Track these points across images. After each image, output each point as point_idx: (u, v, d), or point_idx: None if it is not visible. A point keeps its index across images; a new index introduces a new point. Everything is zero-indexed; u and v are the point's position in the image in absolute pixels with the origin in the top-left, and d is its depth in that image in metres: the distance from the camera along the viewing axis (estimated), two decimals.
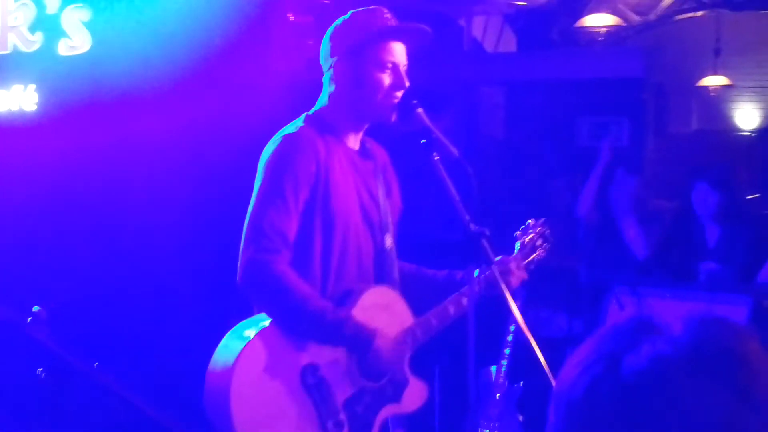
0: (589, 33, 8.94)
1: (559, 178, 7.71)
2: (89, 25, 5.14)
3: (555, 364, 2.79)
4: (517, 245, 3.41)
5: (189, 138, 5.15)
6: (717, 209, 5.10)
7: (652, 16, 9.83)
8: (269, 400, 2.93)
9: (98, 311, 5.00)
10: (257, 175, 3.08)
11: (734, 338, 1.18)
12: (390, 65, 3.10)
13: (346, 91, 3.15)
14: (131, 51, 5.10)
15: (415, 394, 3.21)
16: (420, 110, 3.08)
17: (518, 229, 3.47)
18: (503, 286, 2.95)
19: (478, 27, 9.39)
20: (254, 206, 3.02)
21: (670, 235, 5.40)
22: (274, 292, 2.95)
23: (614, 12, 9.18)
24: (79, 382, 2.36)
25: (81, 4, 5.14)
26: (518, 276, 3.28)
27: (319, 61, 3.25)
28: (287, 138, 3.07)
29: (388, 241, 3.24)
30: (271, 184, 3.01)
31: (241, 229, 3.04)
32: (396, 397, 3.15)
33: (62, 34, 5.15)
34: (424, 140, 3.03)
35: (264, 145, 3.15)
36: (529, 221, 3.49)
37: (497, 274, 2.97)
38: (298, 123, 3.15)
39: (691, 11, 9.81)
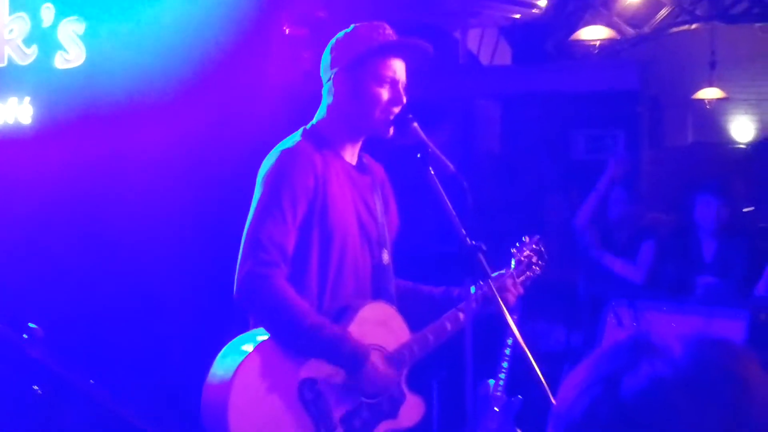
0: (584, 46, 8.96)
1: (555, 190, 7.71)
2: (84, 38, 5.14)
3: (553, 377, 2.78)
4: (513, 262, 3.41)
5: (185, 150, 5.14)
6: (721, 221, 5.10)
7: (646, 29, 9.86)
8: (267, 414, 2.92)
9: (94, 327, 4.98)
10: (255, 189, 3.08)
11: (733, 360, 1.17)
12: (389, 80, 3.11)
13: (344, 104, 3.15)
14: (127, 64, 5.10)
15: (411, 410, 3.20)
16: (415, 124, 3.07)
17: (514, 245, 3.47)
18: (500, 302, 2.94)
19: (473, 40, 9.41)
20: (252, 220, 3.02)
21: (667, 249, 5.39)
22: (271, 306, 2.94)
23: (609, 25, 9.21)
24: (76, 398, 2.34)
25: (76, 18, 5.14)
26: (514, 292, 3.27)
27: (314, 73, 3.26)
28: (285, 153, 3.07)
29: (385, 256, 3.23)
30: (269, 198, 3.01)
31: (238, 243, 3.03)
32: (393, 413, 3.14)
33: (58, 47, 5.15)
34: (420, 154, 3.02)
35: (260, 157, 3.15)
36: (525, 238, 3.49)
37: (494, 289, 2.96)
38: (295, 138, 3.15)
39: (685, 24, 9.84)
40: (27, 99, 5.20)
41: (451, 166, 3.02)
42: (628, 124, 8.79)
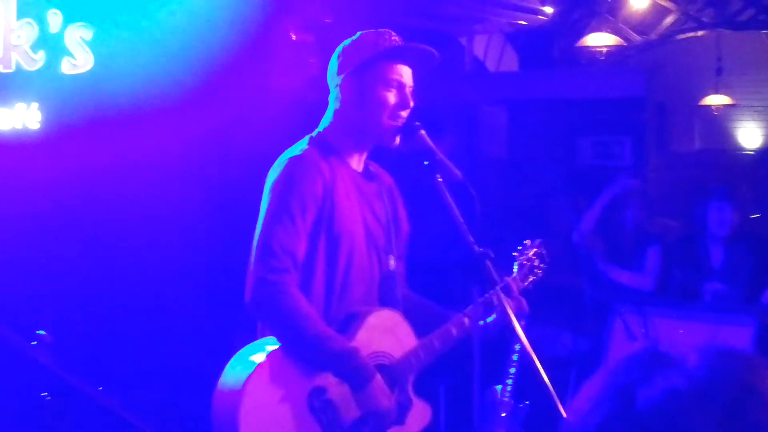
0: (590, 52, 8.97)
1: (561, 196, 7.70)
2: (92, 44, 5.15)
3: (560, 383, 2.77)
4: (515, 266, 3.41)
5: (192, 155, 5.15)
6: (733, 227, 5.10)
7: (653, 36, 9.87)
8: (277, 423, 2.92)
9: (103, 333, 4.98)
10: (264, 197, 3.08)
11: (748, 370, 1.17)
12: (396, 84, 3.11)
13: (351, 109, 3.15)
14: (133, 69, 5.11)
15: (419, 416, 3.19)
16: (423, 132, 3.07)
17: (516, 250, 3.47)
18: (507, 307, 2.93)
19: (479, 46, 9.43)
20: (262, 227, 3.02)
21: (675, 255, 5.39)
22: (281, 314, 2.94)
23: (615, 31, 9.21)
24: (84, 405, 2.34)
25: (83, 23, 5.15)
26: (516, 303, 3.26)
27: (320, 79, 3.26)
28: (293, 160, 3.07)
29: (392, 262, 3.23)
30: (278, 205, 3.01)
31: (247, 248, 3.03)
32: (400, 419, 3.13)
33: (65, 52, 5.16)
34: (427, 162, 3.02)
35: (267, 162, 3.15)
36: (527, 242, 3.50)
37: (501, 296, 2.96)
38: (302, 145, 3.15)
39: (692, 31, 9.85)
40: (35, 105, 5.21)
41: (459, 174, 3.02)
42: (635, 131, 8.79)
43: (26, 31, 5.19)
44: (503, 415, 4.14)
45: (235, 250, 3.14)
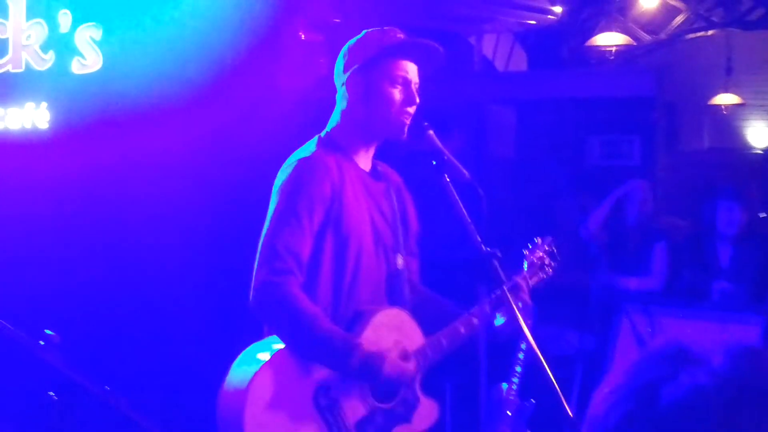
0: (599, 52, 8.96)
1: (569, 196, 7.70)
2: (101, 44, 5.17)
3: (566, 381, 2.78)
4: (525, 264, 3.41)
5: (201, 155, 5.16)
6: (741, 226, 5.09)
7: (662, 35, 9.85)
8: (283, 422, 2.93)
9: (110, 333, 5.00)
10: (272, 198, 3.09)
11: None
12: (401, 80, 3.12)
13: (358, 107, 3.16)
14: (142, 69, 5.12)
15: (426, 414, 3.20)
16: (431, 132, 3.08)
17: (525, 248, 3.47)
18: (514, 305, 2.94)
19: (488, 46, 9.43)
20: (268, 228, 3.03)
21: (683, 254, 5.39)
22: (284, 314, 2.95)
23: (625, 31, 9.20)
24: (91, 405, 2.36)
25: (93, 23, 5.17)
26: (523, 302, 3.27)
27: (329, 79, 3.27)
28: (302, 162, 3.08)
29: (399, 261, 3.24)
30: (285, 206, 3.02)
31: (254, 248, 3.04)
32: (407, 417, 3.14)
33: (75, 52, 5.18)
34: (435, 162, 3.03)
35: (275, 161, 3.16)
36: (537, 239, 3.50)
37: (509, 295, 2.96)
38: (310, 147, 3.16)
39: (701, 30, 9.83)
40: (44, 104, 5.23)
41: (467, 174, 3.02)
42: (644, 130, 8.78)
43: (36, 31, 5.22)
44: (509, 413, 4.15)
45: (243, 250, 3.14)
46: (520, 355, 3.91)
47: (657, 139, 8.92)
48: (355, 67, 3.13)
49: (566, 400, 2.66)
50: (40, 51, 5.21)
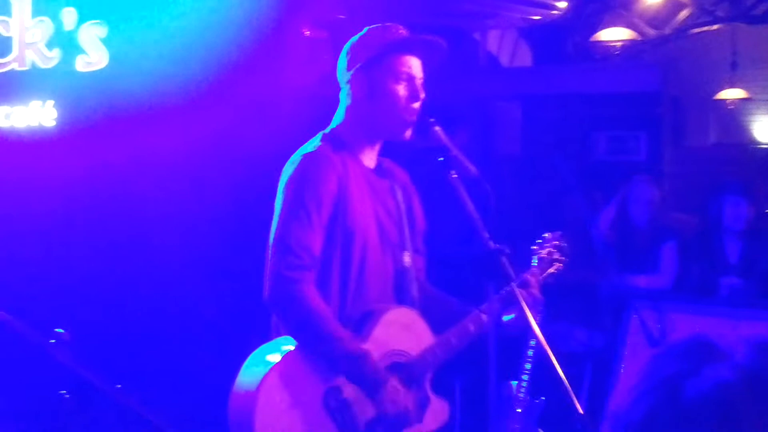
0: (604, 47, 8.95)
1: (576, 192, 7.68)
2: (106, 42, 5.17)
3: (575, 378, 2.77)
4: (535, 259, 3.40)
5: (206, 152, 5.16)
6: (749, 222, 5.08)
7: (667, 30, 9.82)
8: (293, 423, 2.92)
9: (121, 331, 5.00)
10: (278, 195, 3.08)
11: None
12: (405, 76, 3.11)
13: (362, 104, 3.15)
14: (147, 67, 5.13)
15: (436, 414, 3.19)
16: (437, 128, 3.07)
17: (534, 243, 3.46)
18: (522, 302, 2.93)
19: (493, 41, 9.41)
20: (279, 225, 3.02)
21: (691, 250, 5.37)
22: (298, 311, 2.95)
23: (630, 26, 9.18)
24: (103, 404, 2.35)
25: (98, 21, 5.17)
26: (537, 290, 3.26)
27: (334, 76, 3.26)
28: (307, 157, 3.08)
29: (407, 258, 3.23)
30: (294, 201, 3.02)
31: (264, 246, 3.04)
32: (417, 417, 3.13)
33: (80, 50, 5.18)
34: (442, 158, 3.02)
35: (281, 158, 3.15)
36: (546, 234, 3.49)
37: (517, 291, 2.95)
38: (315, 142, 3.15)
39: (707, 25, 9.80)
40: (50, 102, 5.24)
41: (473, 169, 3.01)
42: (650, 125, 8.76)
43: (41, 29, 5.22)
44: (518, 410, 4.14)
45: (252, 248, 3.14)
46: (530, 353, 3.90)
47: (663, 134, 8.89)
48: (359, 65, 3.12)
49: (576, 398, 2.65)
50: (45, 49, 5.21)
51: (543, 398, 4.02)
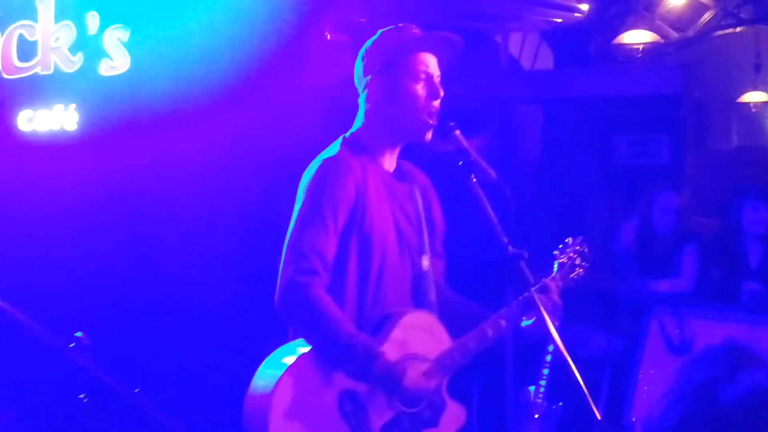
0: (627, 50, 8.90)
1: (597, 196, 7.66)
2: (129, 46, 5.20)
3: (594, 384, 2.76)
4: (556, 265, 3.39)
5: (227, 156, 5.18)
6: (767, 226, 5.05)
7: (690, 33, 9.76)
8: (307, 426, 2.93)
9: (140, 335, 5.02)
10: (297, 198, 3.09)
11: None
12: (423, 75, 3.11)
13: (382, 108, 3.15)
14: (170, 70, 5.15)
15: (453, 418, 3.19)
16: (457, 132, 3.07)
17: (556, 248, 3.45)
18: (542, 308, 2.92)
19: (515, 44, 9.38)
20: (294, 229, 3.04)
21: (712, 255, 5.35)
22: (309, 316, 2.95)
23: (652, 28, 9.13)
24: (121, 407, 2.37)
25: (121, 25, 5.20)
26: (557, 295, 3.25)
27: (354, 80, 3.27)
28: (327, 162, 3.09)
29: (425, 262, 3.23)
30: (311, 206, 3.02)
31: (281, 249, 3.05)
32: (434, 421, 3.13)
33: (103, 54, 5.21)
34: (462, 162, 3.02)
35: (303, 162, 3.16)
36: (568, 240, 3.47)
37: (536, 297, 2.94)
38: (335, 147, 3.16)
39: (730, 27, 9.74)
40: (72, 106, 5.27)
41: (494, 174, 3.01)
42: (672, 129, 8.71)
43: (65, 33, 5.26)
44: (536, 416, 4.13)
45: (273, 251, 3.15)
46: (548, 358, 3.90)
47: (685, 137, 8.84)
48: (376, 69, 3.13)
49: (594, 403, 2.65)
50: (68, 53, 5.25)
51: (561, 404, 4.02)
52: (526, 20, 8.71)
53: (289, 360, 2.98)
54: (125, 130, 5.13)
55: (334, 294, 3.00)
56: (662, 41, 9.28)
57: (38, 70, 5.29)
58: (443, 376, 3.14)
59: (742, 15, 9.57)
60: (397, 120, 3.14)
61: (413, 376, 3.02)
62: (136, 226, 5.21)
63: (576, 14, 8.51)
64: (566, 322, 3.95)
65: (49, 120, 5.27)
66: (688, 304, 4.67)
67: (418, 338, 3.10)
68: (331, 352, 2.97)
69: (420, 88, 3.10)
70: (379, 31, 3.20)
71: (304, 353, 2.98)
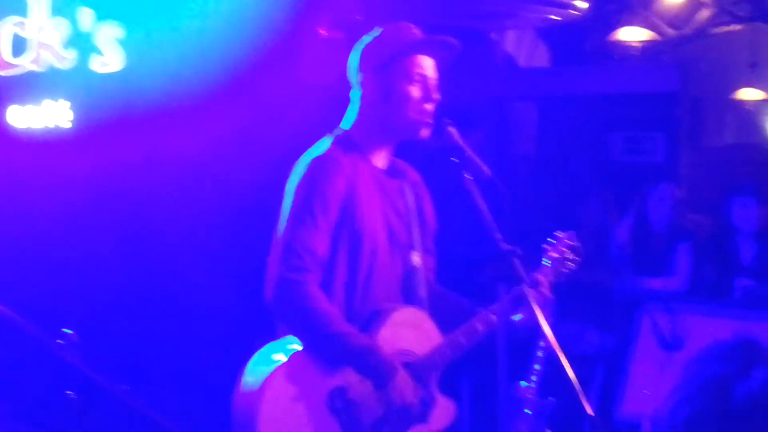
0: (623, 47, 8.90)
1: (592, 193, 7.66)
2: (122, 43, 5.19)
3: (586, 380, 2.76)
4: (546, 259, 3.40)
5: (223, 154, 5.18)
6: (758, 223, 5.06)
7: (687, 30, 9.76)
8: (297, 423, 2.93)
9: (128, 332, 5.02)
10: (286, 197, 3.10)
11: None
12: (419, 77, 3.12)
13: (375, 106, 3.16)
14: (164, 68, 5.14)
15: (442, 414, 3.19)
16: (452, 128, 3.07)
17: (547, 243, 3.46)
18: (533, 302, 2.92)
19: (510, 42, 9.37)
20: (285, 226, 3.04)
21: (705, 252, 5.35)
22: (301, 312, 2.96)
23: (648, 26, 9.13)
24: (110, 404, 2.37)
25: (114, 22, 5.19)
26: (548, 289, 3.26)
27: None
28: (317, 160, 3.09)
29: (416, 259, 3.24)
30: (301, 204, 3.03)
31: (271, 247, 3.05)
32: (424, 417, 3.13)
33: (96, 51, 5.20)
34: (456, 159, 3.02)
35: (296, 159, 3.16)
36: (559, 234, 3.48)
37: (528, 292, 2.94)
38: (325, 144, 3.16)
39: (727, 25, 9.74)
40: (66, 103, 5.26)
41: (488, 171, 3.01)
42: (668, 126, 8.71)
43: (58, 30, 5.24)
44: (528, 411, 4.13)
45: (263, 247, 3.15)
46: (540, 353, 3.89)
47: (681, 135, 8.84)
48: (371, 66, 3.13)
49: (586, 400, 2.65)
50: (61, 50, 5.23)
51: (553, 399, 4.02)
52: (523, 18, 8.69)
53: (279, 357, 2.98)
54: (119, 127, 5.12)
55: (324, 290, 3.01)
56: (659, 39, 9.28)
57: (31, 66, 5.28)
58: (433, 373, 3.14)
59: (739, 13, 9.57)
60: (389, 119, 3.15)
61: (404, 377, 3.02)
62: (128, 222, 5.21)
63: (573, 12, 8.50)
64: (559, 318, 3.95)
65: (42, 117, 5.26)
66: (680, 301, 4.67)
67: (408, 335, 3.10)
68: (325, 348, 2.98)
69: (415, 90, 3.11)
70: (378, 28, 3.20)
71: (294, 350, 2.99)
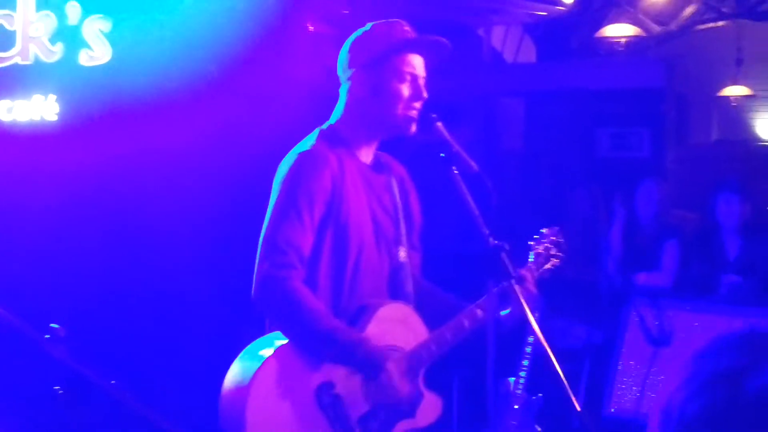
0: (609, 43, 8.92)
1: (579, 188, 7.68)
2: (110, 36, 5.17)
3: (574, 375, 2.77)
4: (532, 255, 3.40)
5: (209, 148, 5.16)
6: (742, 219, 5.08)
7: (673, 26, 9.80)
8: (284, 419, 2.93)
9: (115, 327, 5.00)
10: (272, 192, 3.09)
11: None
12: (409, 76, 3.11)
13: (364, 102, 3.15)
14: (151, 61, 5.13)
15: (429, 409, 3.19)
16: (439, 123, 3.07)
17: (532, 239, 3.46)
18: (520, 297, 2.93)
19: (497, 37, 9.39)
20: (269, 222, 3.03)
21: (691, 248, 5.38)
22: (287, 309, 2.95)
23: (635, 22, 9.16)
24: (97, 399, 2.36)
25: (102, 15, 5.17)
26: (533, 285, 3.26)
27: (336, 72, 3.26)
28: (302, 155, 3.08)
29: (402, 254, 3.23)
30: (286, 200, 3.02)
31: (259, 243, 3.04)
32: (410, 412, 3.13)
33: (83, 44, 5.18)
34: (443, 154, 3.02)
35: (283, 155, 3.16)
36: (543, 230, 3.49)
37: (516, 288, 2.95)
38: (311, 140, 3.15)
39: (712, 21, 9.77)
40: (52, 96, 5.23)
41: (475, 166, 3.01)
42: (653, 122, 8.75)
43: (45, 23, 5.22)
44: (516, 407, 4.15)
45: (250, 243, 3.14)
46: (528, 349, 3.90)
47: (667, 131, 8.88)
48: (362, 63, 3.12)
49: (573, 395, 2.66)
50: (48, 43, 5.21)
51: (540, 395, 4.03)
52: (510, 13, 8.71)
53: (267, 352, 2.97)
54: (105, 121, 5.10)
55: (309, 286, 3.00)
56: (644, 35, 9.30)
57: (18, 60, 5.25)
58: (420, 369, 3.14)
59: (724, 9, 9.61)
60: (377, 116, 3.14)
61: (393, 367, 3.02)
62: (115, 217, 5.19)
63: (559, 7, 8.52)
64: (546, 313, 3.96)
65: (29, 110, 5.24)
66: (668, 296, 4.68)
67: (394, 330, 3.10)
68: (312, 343, 2.97)
69: (404, 88, 3.10)
70: (369, 24, 3.19)
71: (281, 346, 2.98)
